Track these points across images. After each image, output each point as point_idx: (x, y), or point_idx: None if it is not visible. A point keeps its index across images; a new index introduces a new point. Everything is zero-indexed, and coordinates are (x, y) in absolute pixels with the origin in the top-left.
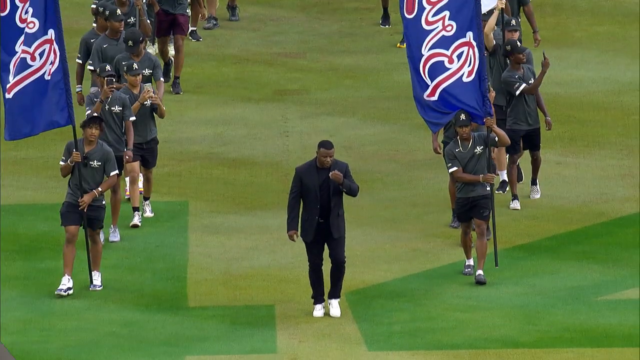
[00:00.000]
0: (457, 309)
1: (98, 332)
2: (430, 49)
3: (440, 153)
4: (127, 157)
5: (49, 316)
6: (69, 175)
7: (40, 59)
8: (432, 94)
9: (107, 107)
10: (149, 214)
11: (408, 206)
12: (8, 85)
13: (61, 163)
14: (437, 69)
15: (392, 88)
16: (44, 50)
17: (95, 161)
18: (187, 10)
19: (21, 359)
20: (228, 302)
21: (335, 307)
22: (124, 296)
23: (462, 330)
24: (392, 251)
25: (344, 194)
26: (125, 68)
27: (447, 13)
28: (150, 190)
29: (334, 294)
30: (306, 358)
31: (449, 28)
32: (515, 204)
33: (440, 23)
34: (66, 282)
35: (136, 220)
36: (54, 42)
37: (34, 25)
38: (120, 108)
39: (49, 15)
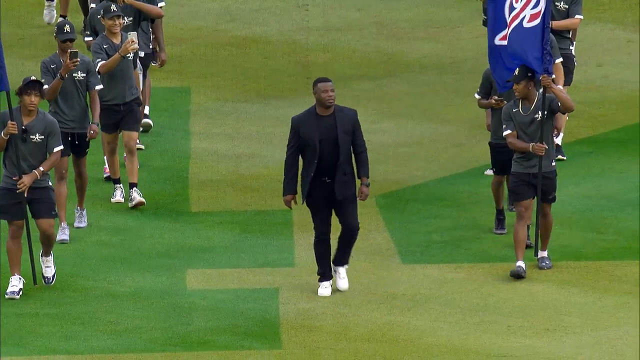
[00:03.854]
0: (508, 214)
1: (85, 242)
2: None
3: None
4: (91, 131)
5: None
6: (3, 154)
7: None
8: (505, 37)
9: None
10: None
11: (450, 93)
12: None
13: None
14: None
15: None
16: None
17: (37, 134)
18: None
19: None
20: (237, 207)
21: (342, 276)
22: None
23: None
24: (430, 147)
25: (351, 147)
26: (101, 11)
27: None
28: (136, 171)
29: (341, 259)
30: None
31: None
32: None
33: None
34: (16, 283)
35: (118, 196)
36: None
37: None
38: (84, 74)
39: None
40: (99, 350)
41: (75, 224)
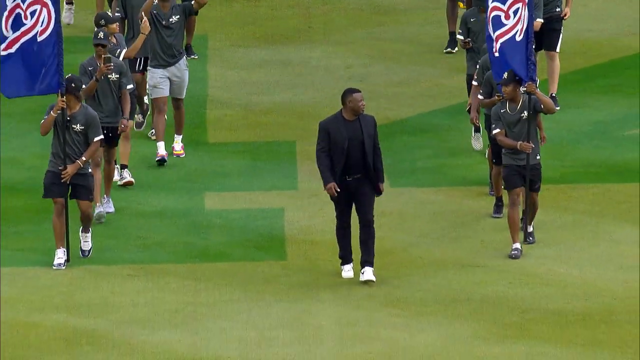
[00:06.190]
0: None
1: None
2: (493, 1)
3: (476, 124)
4: (122, 125)
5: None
6: (50, 143)
7: (31, 19)
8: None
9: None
10: (127, 177)
11: (433, 39)
12: (6, 42)
13: (42, 121)
14: (495, 24)
15: None
16: (35, 10)
17: (77, 125)
18: None
19: (35, 190)
20: (248, 138)
21: (368, 272)
22: (139, 132)
23: (486, 165)
24: (416, 86)
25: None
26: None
27: None
28: (127, 155)
29: (366, 260)
30: (327, 195)
31: None
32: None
33: None
34: (62, 255)
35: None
36: (48, 4)
37: None
38: (117, 75)
39: None
40: (129, 261)
41: (106, 210)
